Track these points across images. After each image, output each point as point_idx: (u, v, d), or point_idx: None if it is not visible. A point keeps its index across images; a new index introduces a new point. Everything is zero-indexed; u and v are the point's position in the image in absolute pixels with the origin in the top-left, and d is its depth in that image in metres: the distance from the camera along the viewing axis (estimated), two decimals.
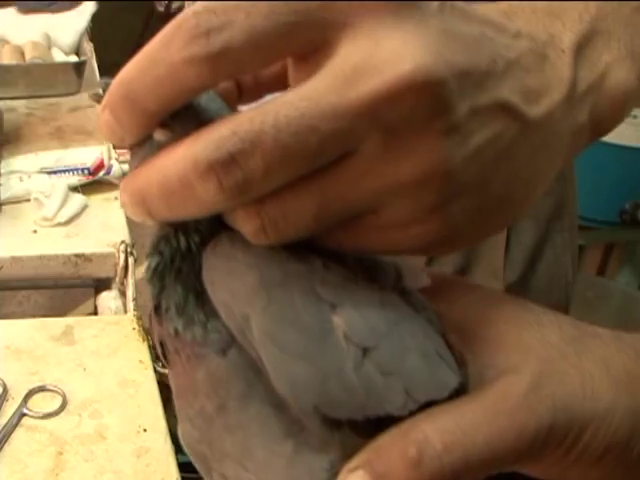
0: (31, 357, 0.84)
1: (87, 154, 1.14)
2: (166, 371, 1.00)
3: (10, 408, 0.76)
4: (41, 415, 0.76)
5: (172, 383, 0.35)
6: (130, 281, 0.97)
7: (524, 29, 0.33)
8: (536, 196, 0.34)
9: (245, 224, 0.30)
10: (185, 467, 0.80)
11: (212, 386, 0.32)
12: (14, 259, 0.98)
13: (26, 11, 1.57)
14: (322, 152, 0.28)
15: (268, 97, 0.36)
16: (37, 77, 1.41)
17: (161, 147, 0.31)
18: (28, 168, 1.12)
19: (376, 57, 0.28)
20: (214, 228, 0.32)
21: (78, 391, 0.80)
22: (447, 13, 0.30)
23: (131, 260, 0.97)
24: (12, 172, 1.12)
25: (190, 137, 0.29)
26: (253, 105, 0.31)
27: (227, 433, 0.32)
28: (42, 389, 0.79)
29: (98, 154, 1.13)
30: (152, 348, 0.89)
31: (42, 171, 1.11)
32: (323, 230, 0.31)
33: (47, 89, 1.41)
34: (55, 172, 1.11)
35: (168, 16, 2.72)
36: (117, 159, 1.14)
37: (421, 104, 0.28)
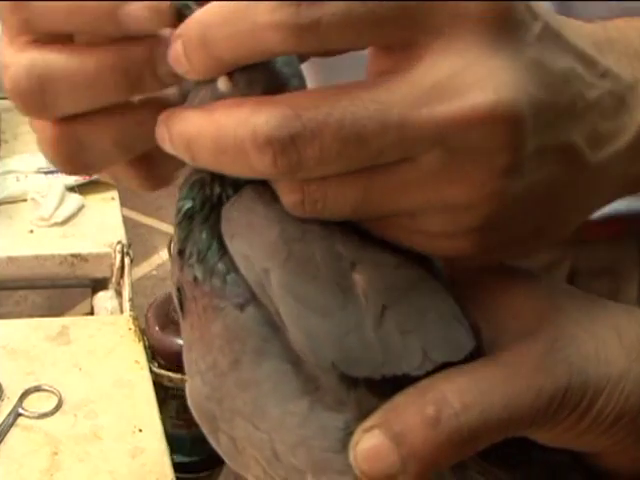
0: (27, 357, 0.84)
1: None
2: (161, 371, 1.01)
3: (6, 408, 0.77)
4: (36, 415, 0.76)
5: (184, 334, 0.35)
6: (126, 281, 0.97)
7: (612, 67, 0.32)
8: (567, 232, 0.34)
9: (286, 195, 0.30)
10: (180, 467, 0.80)
11: (227, 340, 0.32)
12: (10, 259, 0.98)
13: None
14: (379, 156, 0.28)
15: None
16: None
17: (221, 97, 0.31)
18: (25, 168, 1.12)
19: (461, 78, 0.27)
20: (251, 183, 0.32)
21: (73, 391, 0.80)
22: (545, 41, 0.29)
23: (127, 260, 0.98)
24: (9, 172, 1.12)
25: (254, 101, 0.29)
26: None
27: (239, 390, 0.31)
28: (38, 389, 0.79)
29: None
30: (147, 348, 0.89)
31: (39, 171, 1.11)
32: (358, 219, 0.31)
33: None
34: (52, 172, 1.11)
35: None
36: None
37: (493, 137, 0.28)
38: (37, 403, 0.78)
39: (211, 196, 0.33)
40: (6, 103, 1.36)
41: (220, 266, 0.32)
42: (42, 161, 1.13)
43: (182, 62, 0.30)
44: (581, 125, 0.30)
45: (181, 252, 0.34)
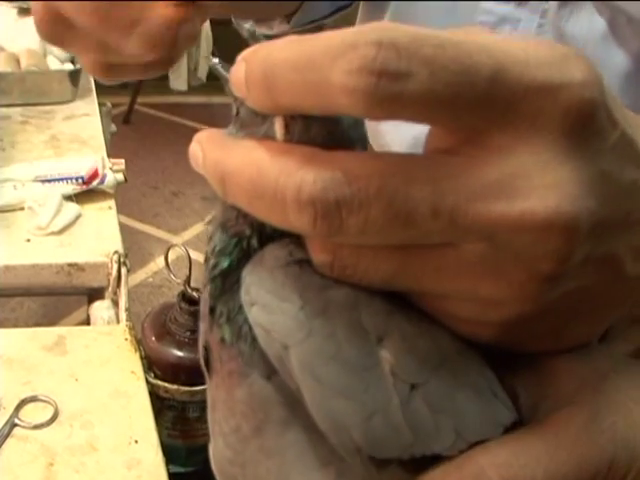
0: (23, 367, 0.84)
1: (81, 163, 1.14)
2: (157, 382, 1.00)
3: (2, 418, 0.76)
4: (32, 425, 0.76)
5: (209, 393, 0.34)
6: (123, 291, 0.97)
7: None
8: (591, 336, 0.33)
9: (317, 253, 0.29)
10: (175, 478, 0.80)
11: (251, 407, 0.31)
12: (7, 268, 0.98)
13: (26, 13, 1.58)
14: (423, 238, 0.27)
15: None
16: (32, 85, 1.41)
17: (272, 136, 0.29)
18: (22, 176, 1.12)
19: (526, 180, 0.26)
20: (290, 236, 0.31)
21: (70, 401, 0.80)
22: (617, 151, 0.28)
23: (124, 270, 0.98)
24: (6, 180, 1.12)
25: (304, 154, 0.27)
26: None
27: (263, 456, 0.31)
28: (34, 399, 0.79)
29: (92, 163, 1.13)
30: (144, 359, 0.89)
31: (36, 179, 1.11)
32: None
33: (42, 97, 1.41)
34: (49, 181, 1.11)
35: None
36: (111, 168, 1.14)
37: (543, 245, 0.26)
38: (33, 413, 0.78)
39: (248, 251, 0.32)
40: (4, 111, 1.36)
41: (247, 329, 0.31)
42: (39, 170, 1.13)
43: (242, 89, 0.28)
44: (629, 237, 0.29)
45: (212, 310, 0.33)
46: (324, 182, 0.26)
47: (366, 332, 0.28)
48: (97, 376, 0.84)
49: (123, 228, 1.10)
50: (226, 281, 0.32)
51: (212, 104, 4.01)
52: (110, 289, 0.99)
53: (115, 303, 0.99)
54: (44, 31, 0.43)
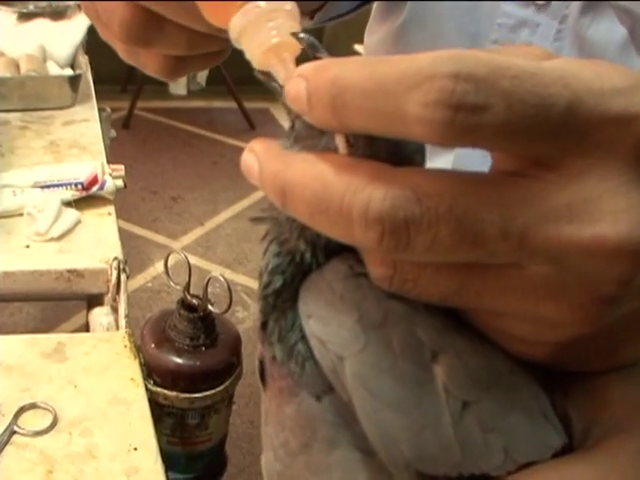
0: (22, 374, 0.83)
1: (81, 169, 1.14)
2: (157, 389, 1.00)
3: (0, 425, 0.76)
4: (31, 433, 0.76)
5: (264, 406, 0.34)
6: (122, 297, 0.96)
7: None
8: (635, 358, 0.32)
9: (376, 267, 0.29)
10: None
11: (299, 424, 0.31)
12: (6, 274, 0.98)
13: (26, 18, 1.58)
14: (489, 258, 0.27)
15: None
16: (32, 90, 1.41)
17: (333, 149, 0.29)
18: (21, 182, 1.12)
19: (598, 205, 0.26)
20: (350, 250, 0.31)
21: (69, 409, 0.79)
22: None
23: (123, 277, 0.97)
24: (5, 186, 1.12)
25: (371, 170, 0.27)
26: None
27: (310, 473, 0.31)
28: (33, 406, 0.79)
29: (92, 169, 1.13)
30: (143, 366, 0.89)
31: (35, 185, 1.11)
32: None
33: (42, 102, 1.41)
34: (48, 186, 1.11)
35: None
36: (111, 174, 1.14)
37: (609, 269, 0.26)
38: (32, 420, 0.78)
39: (302, 266, 0.32)
40: (3, 116, 1.36)
41: (300, 347, 0.31)
42: (39, 175, 1.13)
43: (302, 105, 0.28)
44: None
45: (264, 325, 0.33)
46: (393, 199, 0.26)
47: (422, 346, 0.28)
48: (96, 383, 0.83)
49: (122, 233, 1.09)
50: (278, 299, 0.32)
51: (211, 109, 4.02)
52: (109, 295, 0.99)
53: (114, 309, 0.98)
54: (134, 32, 0.41)
